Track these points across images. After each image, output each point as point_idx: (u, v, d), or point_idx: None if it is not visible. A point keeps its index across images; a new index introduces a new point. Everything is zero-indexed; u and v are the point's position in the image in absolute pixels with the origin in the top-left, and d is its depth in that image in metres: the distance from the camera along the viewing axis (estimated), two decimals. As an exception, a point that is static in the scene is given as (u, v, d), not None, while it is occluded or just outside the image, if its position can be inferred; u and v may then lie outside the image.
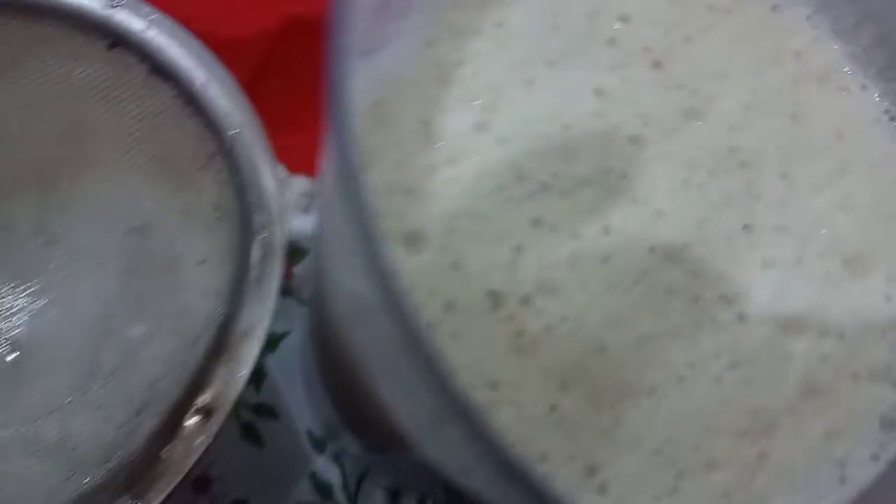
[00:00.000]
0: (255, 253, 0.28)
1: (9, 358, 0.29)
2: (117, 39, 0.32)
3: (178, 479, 0.24)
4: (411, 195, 0.23)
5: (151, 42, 0.31)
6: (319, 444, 0.38)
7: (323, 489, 0.37)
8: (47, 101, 0.32)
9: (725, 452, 0.23)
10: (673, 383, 0.23)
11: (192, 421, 0.26)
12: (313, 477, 0.38)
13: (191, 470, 0.25)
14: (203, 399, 0.26)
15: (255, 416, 0.40)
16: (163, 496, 0.24)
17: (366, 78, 0.22)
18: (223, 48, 0.32)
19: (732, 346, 0.24)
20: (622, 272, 0.24)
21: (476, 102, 0.24)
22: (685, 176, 0.25)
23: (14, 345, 0.29)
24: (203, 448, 0.25)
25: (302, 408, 0.38)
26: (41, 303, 0.30)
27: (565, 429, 0.22)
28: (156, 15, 0.31)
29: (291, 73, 0.44)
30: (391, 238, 0.22)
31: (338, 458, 0.38)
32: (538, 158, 0.24)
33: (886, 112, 0.28)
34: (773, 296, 0.25)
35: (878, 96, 0.28)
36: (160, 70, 0.31)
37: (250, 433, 0.39)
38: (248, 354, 0.27)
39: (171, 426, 0.27)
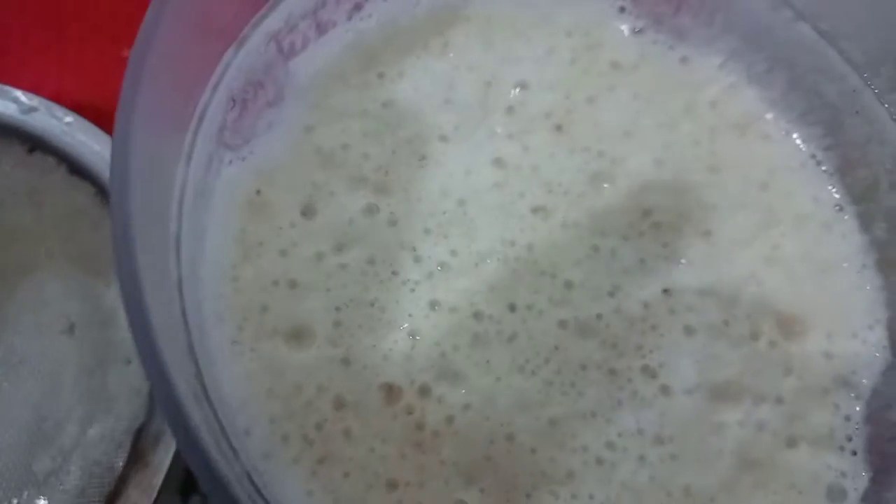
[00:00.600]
0: (169, 351, 0.28)
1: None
2: (36, 143, 0.32)
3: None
4: (296, 287, 0.22)
5: (69, 144, 0.31)
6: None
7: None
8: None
9: (656, 539, 0.22)
10: (592, 467, 0.22)
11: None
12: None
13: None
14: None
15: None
16: None
17: (239, 170, 0.22)
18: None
19: (657, 421, 0.23)
20: (530, 351, 0.22)
21: (365, 185, 0.23)
22: (595, 242, 0.24)
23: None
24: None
25: None
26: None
27: (473, 528, 0.21)
28: (71, 118, 0.31)
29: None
30: (275, 335, 0.21)
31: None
32: (434, 237, 0.23)
33: (812, 157, 0.27)
34: (700, 363, 0.23)
35: (802, 142, 0.27)
36: (79, 170, 0.31)
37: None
38: (161, 461, 0.26)
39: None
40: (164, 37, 0.15)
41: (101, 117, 0.33)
